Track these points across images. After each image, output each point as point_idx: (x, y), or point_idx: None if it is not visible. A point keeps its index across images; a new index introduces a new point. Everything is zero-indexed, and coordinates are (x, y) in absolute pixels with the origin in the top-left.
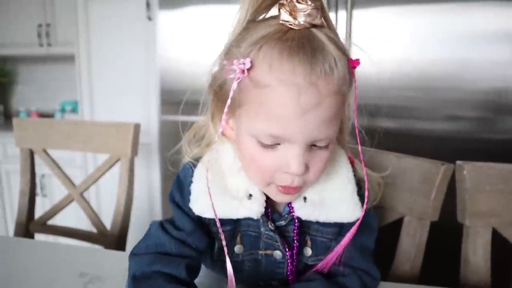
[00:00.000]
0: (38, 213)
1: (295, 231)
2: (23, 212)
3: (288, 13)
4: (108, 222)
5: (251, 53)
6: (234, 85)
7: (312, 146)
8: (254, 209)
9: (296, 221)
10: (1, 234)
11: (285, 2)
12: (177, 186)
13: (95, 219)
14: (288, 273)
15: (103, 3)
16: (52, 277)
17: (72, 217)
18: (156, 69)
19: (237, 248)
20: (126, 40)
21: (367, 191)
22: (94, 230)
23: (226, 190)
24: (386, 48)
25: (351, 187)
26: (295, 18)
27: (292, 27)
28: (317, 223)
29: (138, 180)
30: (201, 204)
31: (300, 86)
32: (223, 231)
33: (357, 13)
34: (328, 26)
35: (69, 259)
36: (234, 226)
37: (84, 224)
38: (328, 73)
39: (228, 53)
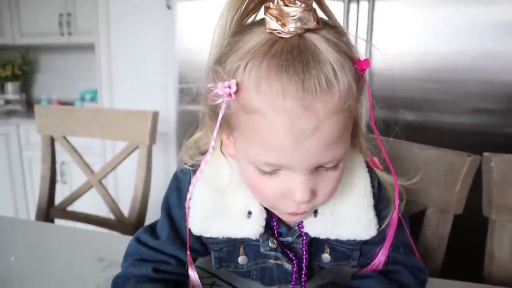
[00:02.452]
0: (58, 199)
1: (303, 248)
2: (44, 198)
3: (275, 19)
4: (126, 209)
5: (237, 73)
6: (221, 111)
7: (318, 168)
8: (251, 231)
9: (305, 237)
10: (23, 218)
11: (270, 5)
12: (178, 193)
13: (113, 206)
14: (293, 282)
15: None
16: (71, 261)
17: (91, 203)
18: (175, 58)
19: (241, 259)
20: (145, 30)
21: (397, 203)
22: (112, 216)
23: (224, 209)
24: (409, 40)
25: (367, 202)
26: (284, 25)
27: (282, 36)
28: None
29: (156, 169)
30: (200, 224)
31: (292, 112)
32: (218, 243)
33: (379, 4)
34: (328, 23)
35: (88, 244)
36: (233, 239)
37: (102, 210)
38: (325, 90)
39: (213, 73)
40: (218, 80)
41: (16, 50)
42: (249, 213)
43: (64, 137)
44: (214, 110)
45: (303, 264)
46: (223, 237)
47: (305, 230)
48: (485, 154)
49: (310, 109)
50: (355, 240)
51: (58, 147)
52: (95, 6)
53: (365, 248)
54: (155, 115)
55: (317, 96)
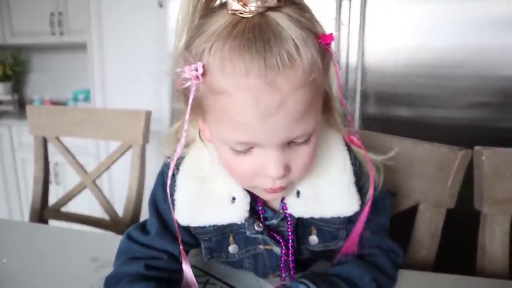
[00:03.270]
0: (52, 200)
1: (289, 230)
2: (38, 199)
3: (236, 0)
4: (120, 209)
5: (203, 55)
6: (191, 94)
7: (290, 143)
8: (236, 216)
9: (289, 218)
10: (17, 220)
11: None
12: (162, 188)
13: (107, 206)
14: (282, 265)
15: None
16: (65, 261)
17: (85, 204)
18: (168, 57)
19: (232, 248)
20: (137, 28)
21: (373, 183)
22: (106, 217)
23: (208, 196)
24: (401, 35)
25: (348, 178)
26: (245, 5)
27: (244, 16)
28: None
29: (150, 168)
30: (186, 215)
31: (255, 89)
32: (207, 233)
33: (371, 0)
34: (290, 0)
35: (82, 245)
36: (220, 227)
37: (96, 211)
38: (288, 66)
39: (180, 57)
40: (185, 64)
41: (7, 50)
42: (233, 198)
43: (57, 138)
44: (186, 95)
45: (290, 245)
46: (210, 225)
47: (289, 211)
48: (476, 148)
49: (273, 85)
50: (339, 218)
51: (51, 147)
52: (86, 5)
53: (351, 228)
54: (148, 114)
55: (279, 72)
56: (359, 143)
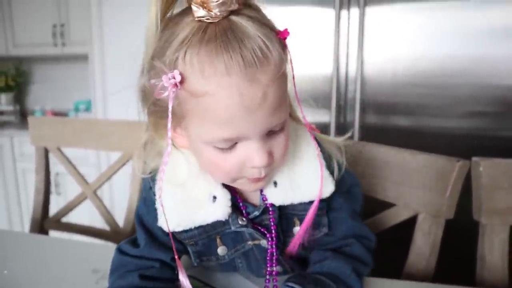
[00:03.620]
0: (53, 211)
1: (271, 220)
2: (38, 210)
3: (200, 7)
4: (121, 220)
5: (177, 63)
6: (170, 103)
7: (269, 132)
8: (219, 213)
9: (271, 209)
10: (17, 230)
11: None
12: (144, 201)
13: (108, 217)
14: (268, 258)
15: (116, 2)
16: (65, 273)
17: (86, 214)
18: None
19: (221, 250)
20: (139, 39)
21: (322, 167)
22: (107, 227)
23: (189, 199)
24: (400, 45)
25: (321, 163)
26: (209, 11)
27: (210, 21)
28: (302, 202)
29: None
30: (169, 221)
31: (239, 85)
32: (192, 237)
33: (370, 11)
34: (244, 2)
35: (82, 256)
36: (204, 229)
37: (97, 221)
38: (262, 61)
39: (153, 69)
40: (161, 74)
41: (9, 61)
42: (214, 197)
43: (58, 148)
44: (158, 104)
45: (273, 235)
46: (194, 227)
47: (269, 201)
48: (473, 159)
49: (254, 80)
50: (325, 198)
51: (52, 158)
52: (88, 16)
53: (331, 215)
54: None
55: (257, 67)
56: (314, 127)
